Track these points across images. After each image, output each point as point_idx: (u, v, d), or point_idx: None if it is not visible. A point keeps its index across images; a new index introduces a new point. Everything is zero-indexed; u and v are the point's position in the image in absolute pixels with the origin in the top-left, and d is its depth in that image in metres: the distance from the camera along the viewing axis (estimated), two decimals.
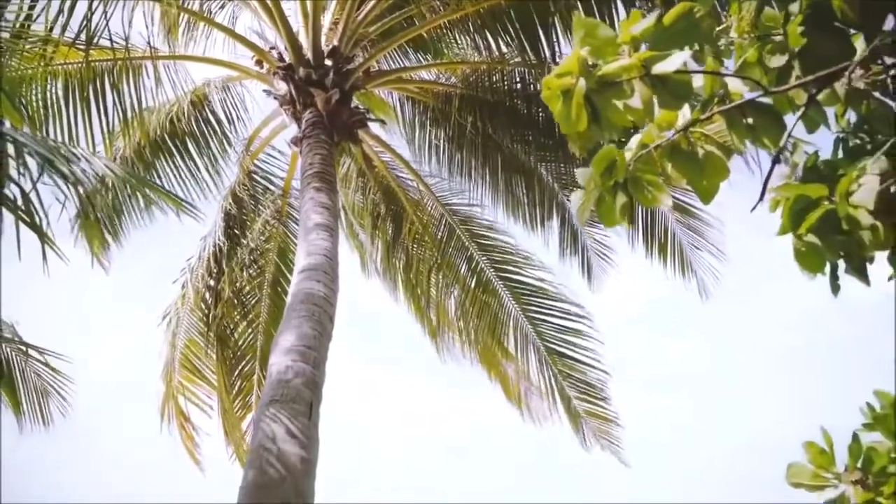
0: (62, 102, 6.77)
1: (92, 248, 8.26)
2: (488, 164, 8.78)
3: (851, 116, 2.44)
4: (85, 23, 5.27)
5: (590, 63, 2.12)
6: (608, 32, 2.13)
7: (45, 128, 6.64)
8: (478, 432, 17.04)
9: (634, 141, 2.33)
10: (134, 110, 7.28)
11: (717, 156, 2.34)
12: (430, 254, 9.24)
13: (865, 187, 2.00)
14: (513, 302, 8.95)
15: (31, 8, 5.16)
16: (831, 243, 2.07)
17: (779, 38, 2.40)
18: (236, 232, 8.78)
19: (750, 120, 2.29)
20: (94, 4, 5.22)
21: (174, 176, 8.53)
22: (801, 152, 2.44)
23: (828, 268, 2.20)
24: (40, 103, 6.55)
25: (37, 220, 3.02)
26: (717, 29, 2.48)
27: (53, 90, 6.77)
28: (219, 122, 8.65)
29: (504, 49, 7.92)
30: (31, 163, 3.24)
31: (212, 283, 8.67)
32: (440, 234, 9.18)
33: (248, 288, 9.05)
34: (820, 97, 2.37)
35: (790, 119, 2.30)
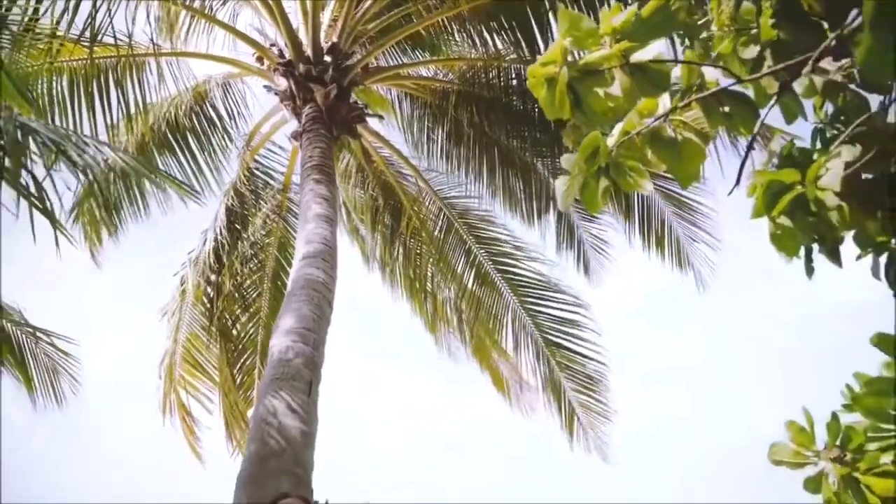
0: (67, 98, 6.91)
1: (97, 234, 8.34)
2: (485, 159, 8.88)
3: (830, 108, 2.54)
4: (89, 20, 5.38)
5: (573, 53, 2.24)
6: (590, 24, 2.25)
7: (51, 123, 6.75)
8: (476, 427, 17.08)
9: (617, 128, 2.44)
10: (137, 106, 7.41)
11: (695, 142, 2.45)
12: (429, 247, 9.35)
13: (831, 171, 2.12)
14: (511, 293, 9.06)
15: (38, 4, 5.27)
16: (802, 224, 2.19)
17: (754, 30, 2.52)
18: (237, 226, 8.88)
19: (726, 108, 2.41)
20: (98, 3, 5.33)
21: (176, 171, 8.63)
22: (778, 141, 2.57)
23: (803, 252, 2.32)
24: (46, 99, 6.67)
25: (48, 205, 3.15)
26: (699, 22, 2.58)
27: (59, 86, 6.91)
28: (220, 117, 8.77)
29: (500, 45, 8.05)
30: (37, 153, 3.35)
31: (213, 277, 8.77)
32: (438, 227, 9.30)
33: (248, 282, 9.15)
34: (799, 90, 2.48)
35: (773, 110, 2.41)
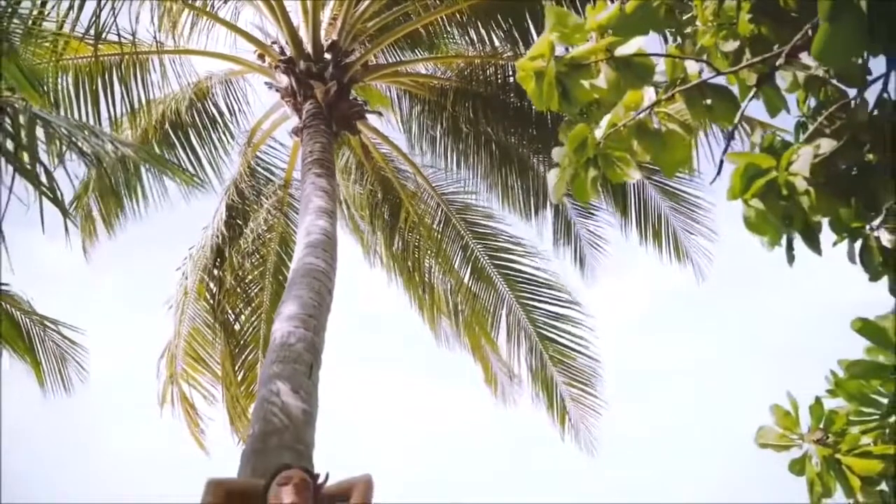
0: (73, 95, 7.04)
1: (94, 229, 8.40)
2: (483, 156, 8.98)
3: (813, 102, 2.65)
4: (94, 18, 5.48)
5: (559, 47, 2.36)
6: (577, 20, 2.36)
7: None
8: (475, 426, 17.17)
9: (605, 121, 2.55)
10: (140, 103, 7.53)
11: (679, 132, 2.56)
12: (426, 241, 9.46)
13: (802, 158, 2.24)
14: (506, 288, 9.17)
15: (44, 4, 5.38)
16: (774, 207, 2.30)
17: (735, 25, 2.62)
18: (238, 222, 8.98)
19: (708, 101, 2.52)
20: (103, 1, 5.44)
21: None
22: (760, 133, 2.68)
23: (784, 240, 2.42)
24: (51, 96, 6.78)
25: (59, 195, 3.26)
26: (685, 18, 2.69)
27: (64, 84, 7.04)
28: (221, 114, 8.87)
29: (497, 43, 8.17)
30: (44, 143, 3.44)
31: (215, 272, 8.88)
32: (436, 222, 9.41)
33: (250, 277, 9.24)
34: (783, 85, 2.58)
35: (758, 104, 2.52)
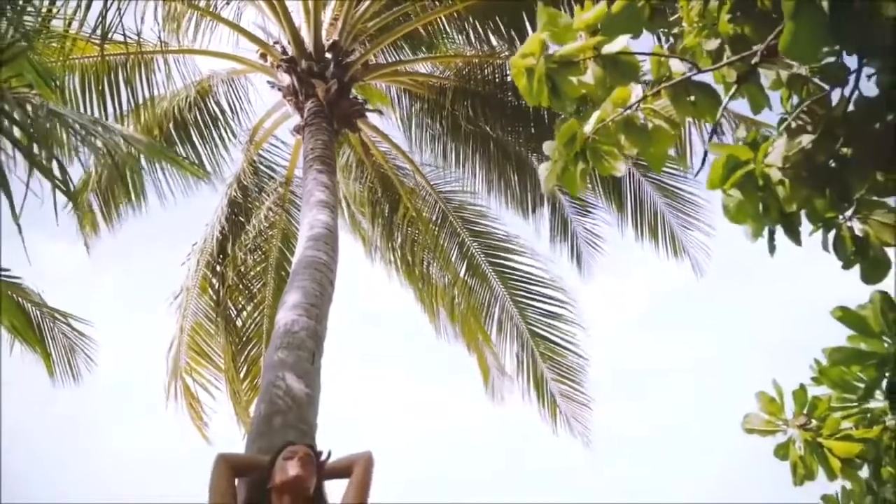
0: (79, 94, 7.18)
1: (95, 226, 8.51)
2: (481, 154, 9.10)
3: (796, 100, 2.77)
4: (100, 19, 5.61)
5: (552, 46, 2.49)
6: (567, 20, 2.50)
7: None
8: (475, 423, 17.25)
9: (594, 117, 2.68)
10: (145, 102, 7.67)
11: (664, 128, 2.69)
12: (424, 239, 9.58)
13: (776, 149, 2.37)
14: (500, 285, 9.30)
15: (52, 4, 5.51)
16: (751, 197, 2.44)
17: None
18: (241, 219, 9.11)
19: (692, 97, 2.65)
20: (109, 2, 5.56)
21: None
22: (743, 129, 2.81)
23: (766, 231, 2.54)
24: (59, 95, 6.91)
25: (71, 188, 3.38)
26: (671, 18, 2.82)
27: (71, 83, 7.18)
28: (223, 112, 9.00)
29: (494, 43, 8.31)
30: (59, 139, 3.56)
31: (218, 268, 9.01)
32: (434, 220, 9.53)
33: (252, 273, 9.37)
34: (767, 83, 2.72)
35: (742, 102, 2.65)
